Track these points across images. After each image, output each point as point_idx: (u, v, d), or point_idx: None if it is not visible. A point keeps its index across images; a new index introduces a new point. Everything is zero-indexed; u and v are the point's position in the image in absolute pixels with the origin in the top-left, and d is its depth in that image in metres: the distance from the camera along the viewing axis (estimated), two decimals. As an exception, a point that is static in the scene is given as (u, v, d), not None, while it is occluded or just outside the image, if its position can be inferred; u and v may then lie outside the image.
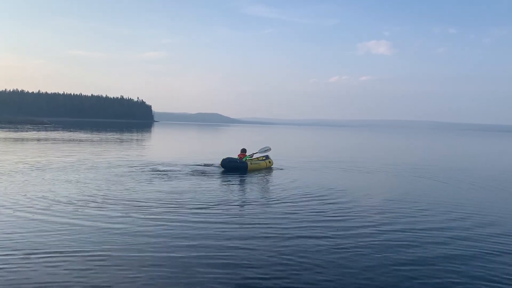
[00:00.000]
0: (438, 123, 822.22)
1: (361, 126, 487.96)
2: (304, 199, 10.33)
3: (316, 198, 10.51)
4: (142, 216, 8.00)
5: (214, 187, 11.83)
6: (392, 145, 48.40)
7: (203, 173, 14.34)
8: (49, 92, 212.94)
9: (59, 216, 7.77)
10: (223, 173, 14.85)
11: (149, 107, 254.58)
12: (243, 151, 16.86)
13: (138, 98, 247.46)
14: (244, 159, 16.19)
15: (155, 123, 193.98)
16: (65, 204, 8.71)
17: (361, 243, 6.68)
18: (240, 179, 13.83)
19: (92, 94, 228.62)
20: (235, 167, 15.44)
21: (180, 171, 14.66)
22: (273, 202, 9.95)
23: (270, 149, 17.77)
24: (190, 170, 15.01)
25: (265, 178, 14.26)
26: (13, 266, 5.22)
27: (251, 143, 36.56)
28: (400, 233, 7.43)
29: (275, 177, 14.53)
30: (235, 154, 16.92)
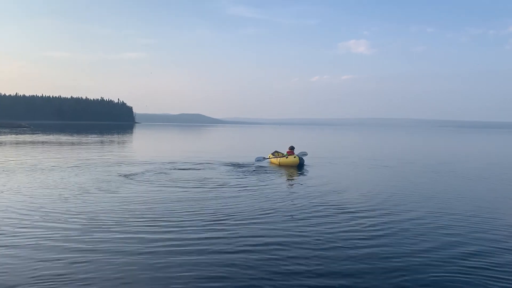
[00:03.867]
0: (419, 120, 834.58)
1: (345, 125, 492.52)
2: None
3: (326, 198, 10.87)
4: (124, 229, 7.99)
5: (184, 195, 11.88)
6: (380, 143, 49.32)
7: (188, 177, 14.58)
8: (27, 94, 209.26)
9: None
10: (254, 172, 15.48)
11: (130, 109, 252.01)
12: (292, 148, 18.44)
13: (119, 99, 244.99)
14: (295, 156, 17.78)
15: (136, 124, 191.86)
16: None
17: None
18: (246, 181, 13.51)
19: (71, 96, 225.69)
20: (302, 164, 17.68)
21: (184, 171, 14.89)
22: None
23: (307, 154, 19.15)
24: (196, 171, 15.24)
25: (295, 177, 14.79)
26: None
27: (245, 146, 36.61)
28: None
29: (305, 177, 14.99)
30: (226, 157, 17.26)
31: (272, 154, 19.43)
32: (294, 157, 17.75)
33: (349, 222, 8.01)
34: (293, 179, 14.35)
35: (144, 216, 8.17)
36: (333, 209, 9.16)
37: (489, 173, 17.42)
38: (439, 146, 43.07)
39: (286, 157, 17.93)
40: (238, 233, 7.09)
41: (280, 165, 17.86)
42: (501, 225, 8.16)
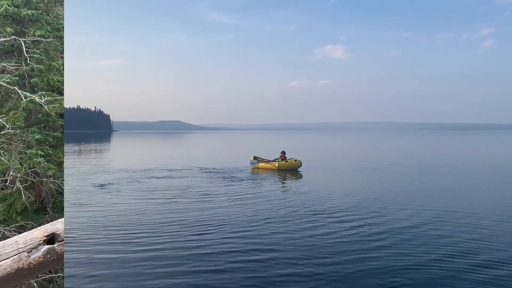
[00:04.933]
0: (397, 123, 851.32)
1: (324, 129, 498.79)
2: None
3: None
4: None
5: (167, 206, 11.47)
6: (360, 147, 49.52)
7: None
8: None
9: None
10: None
11: (107, 117, 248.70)
12: (283, 153, 18.33)
13: (95, 107, 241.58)
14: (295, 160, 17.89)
15: (114, 132, 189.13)
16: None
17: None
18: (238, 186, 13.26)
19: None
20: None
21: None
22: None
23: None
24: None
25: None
26: None
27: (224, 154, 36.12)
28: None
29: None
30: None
31: (255, 158, 19.04)
32: (295, 160, 17.66)
33: (339, 227, 7.69)
34: (277, 185, 13.99)
35: (121, 228, 7.56)
36: (323, 214, 8.83)
37: (475, 173, 17.42)
38: (419, 148, 43.58)
39: (286, 161, 17.69)
40: (222, 244, 6.62)
41: (279, 170, 17.51)
42: (490, 224, 8.00)
